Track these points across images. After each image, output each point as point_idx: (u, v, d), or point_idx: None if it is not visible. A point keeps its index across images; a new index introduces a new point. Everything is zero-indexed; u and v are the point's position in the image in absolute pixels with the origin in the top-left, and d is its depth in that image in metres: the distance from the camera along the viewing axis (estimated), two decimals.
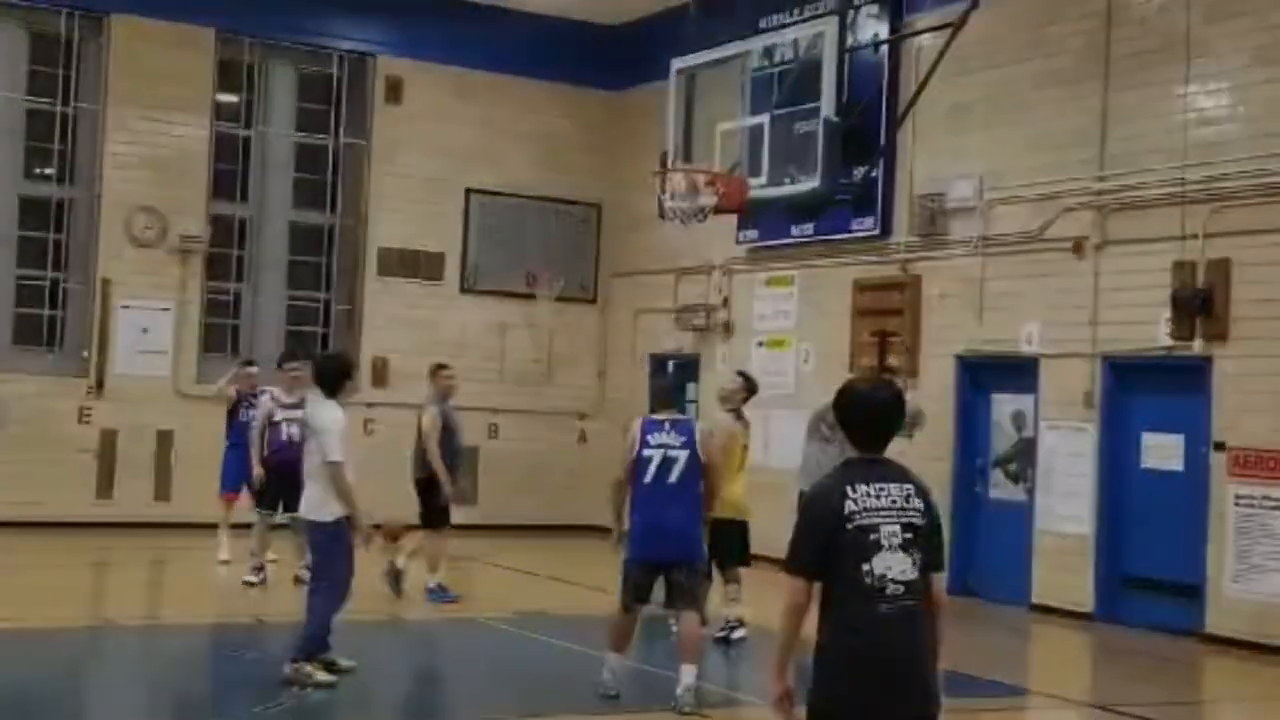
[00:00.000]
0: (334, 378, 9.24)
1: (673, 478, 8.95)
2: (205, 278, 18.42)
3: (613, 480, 9.33)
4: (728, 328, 18.16)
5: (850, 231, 16.34)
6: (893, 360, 15.62)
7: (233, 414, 14.33)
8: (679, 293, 18.88)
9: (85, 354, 17.69)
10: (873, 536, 4.59)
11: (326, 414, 9.05)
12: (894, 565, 4.58)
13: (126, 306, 17.79)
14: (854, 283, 16.34)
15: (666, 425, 9.09)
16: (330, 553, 9.04)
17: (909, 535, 4.62)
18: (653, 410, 9.53)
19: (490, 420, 19.12)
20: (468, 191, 19.72)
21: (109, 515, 17.08)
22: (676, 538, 9.00)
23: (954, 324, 15.11)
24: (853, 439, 4.80)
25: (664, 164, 17.23)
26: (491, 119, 19.79)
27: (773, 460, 16.09)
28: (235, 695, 9.04)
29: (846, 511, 4.58)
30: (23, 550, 14.31)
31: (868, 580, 4.55)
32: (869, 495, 4.62)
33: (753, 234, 17.66)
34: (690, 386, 18.43)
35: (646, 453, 8.98)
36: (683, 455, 8.98)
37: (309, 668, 8.90)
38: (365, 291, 19.25)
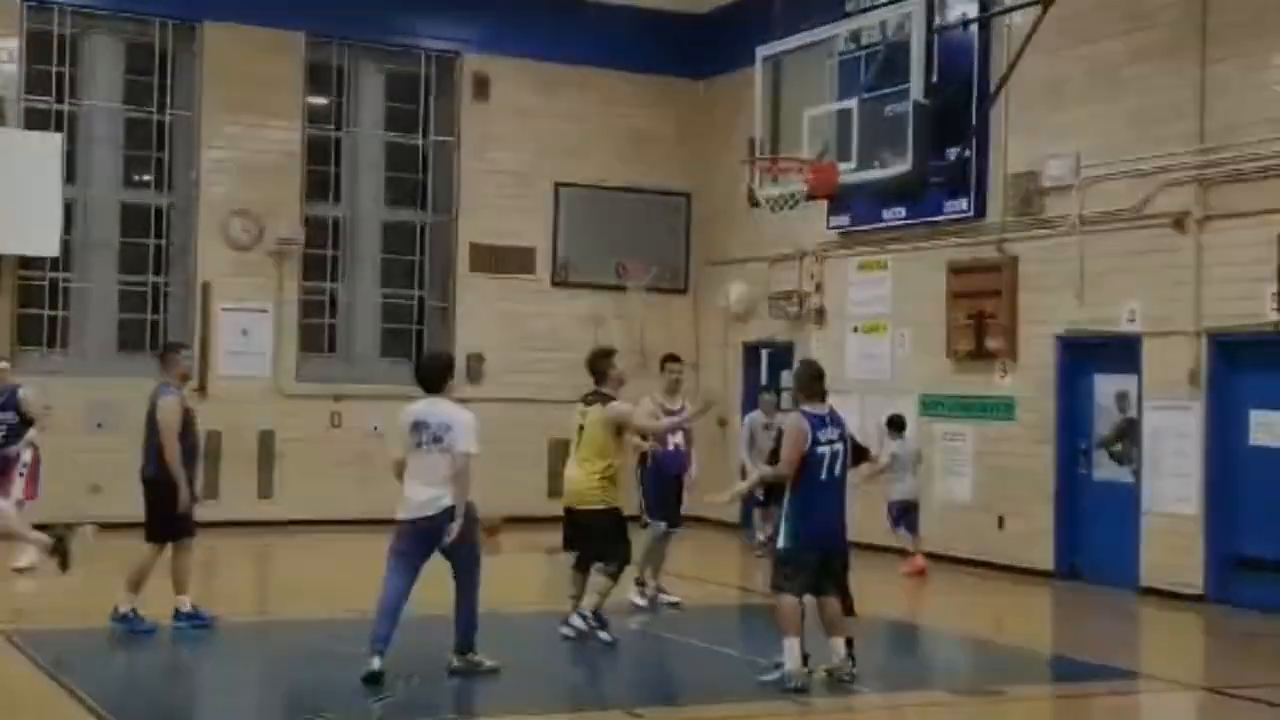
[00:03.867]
0: (437, 375, 9.56)
1: (838, 472, 9.15)
2: (302, 278, 18.63)
3: (776, 478, 9.29)
4: (821, 314, 18.05)
5: (944, 214, 16.18)
6: (991, 343, 15.46)
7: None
8: (771, 280, 18.80)
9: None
10: None
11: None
12: None
13: (227, 309, 18.05)
14: (949, 265, 16.18)
15: (827, 419, 9.17)
16: None
17: None
18: (806, 401, 9.30)
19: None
20: (557, 185, 19.78)
21: (215, 515, 17.28)
22: (843, 530, 9.38)
23: (1053, 304, 14.92)
24: None
25: (752, 152, 17.17)
26: (578, 112, 19.84)
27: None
28: (345, 689, 9.14)
29: None
30: (130, 549, 14.50)
31: None
32: None
33: (844, 219, 17.55)
34: (784, 374, 18.33)
35: (820, 450, 9.03)
36: (842, 448, 9.19)
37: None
38: (459, 287, 19.38)
